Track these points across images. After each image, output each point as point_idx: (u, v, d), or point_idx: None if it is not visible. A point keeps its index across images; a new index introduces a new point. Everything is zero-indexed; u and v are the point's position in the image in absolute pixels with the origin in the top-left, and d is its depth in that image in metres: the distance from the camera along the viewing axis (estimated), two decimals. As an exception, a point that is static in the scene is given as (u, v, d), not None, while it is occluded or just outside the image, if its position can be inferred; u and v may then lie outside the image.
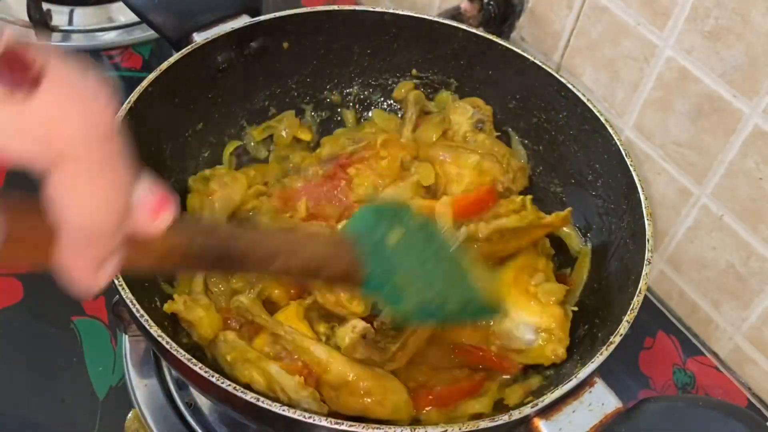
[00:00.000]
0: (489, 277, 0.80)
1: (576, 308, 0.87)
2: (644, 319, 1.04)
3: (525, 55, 0.98)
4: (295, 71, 1.06)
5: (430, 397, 0.81)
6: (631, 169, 0.86)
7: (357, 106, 1.11)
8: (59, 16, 1.37)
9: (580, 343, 0.84)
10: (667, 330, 1.05)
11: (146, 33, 1.35)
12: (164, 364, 0.94)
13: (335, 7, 1.02)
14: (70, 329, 1.00)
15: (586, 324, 0.85)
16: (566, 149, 0.99)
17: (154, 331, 0.69)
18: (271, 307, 0.84)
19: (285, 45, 1.02)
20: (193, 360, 0.66)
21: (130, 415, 0.92)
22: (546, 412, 0.68)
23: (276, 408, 0.64)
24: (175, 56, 0.91)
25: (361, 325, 0.80)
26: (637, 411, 0.68)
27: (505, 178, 0.97)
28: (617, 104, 1.00)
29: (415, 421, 0.80)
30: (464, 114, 1.02)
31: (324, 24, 1.02)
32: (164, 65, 0.90)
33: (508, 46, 0.99)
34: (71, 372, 0.96)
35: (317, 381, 0.77)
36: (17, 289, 1.03)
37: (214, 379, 0.65)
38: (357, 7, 1.03)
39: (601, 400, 0.69)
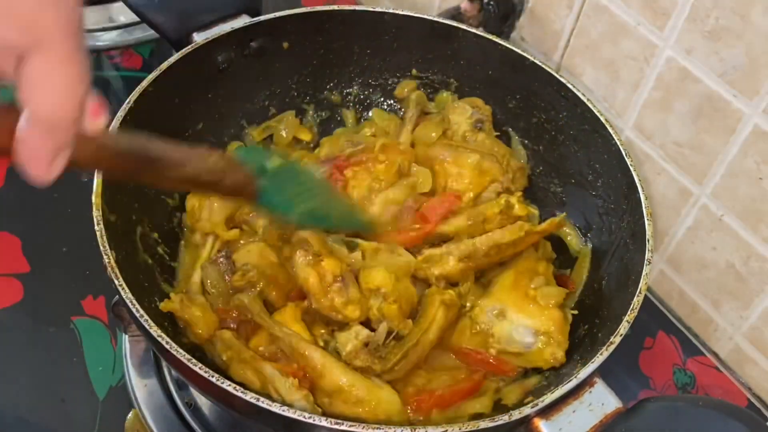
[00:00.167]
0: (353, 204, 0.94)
1: (576, 311, 0.87)
2: (644, 319, 1.04)
3: (525, 55, 0.98)
4: (295, 71, 1.06)
5: (432, 400, 0.81)
6: (631, 169, 0.86)
7: (357, 106, 1.11)
8: (59, 16, 1.36)
9: (580, 343, 0.83)
10: (667, 330, 1.05)
11: (146, 33, 1.35)
12: (164, 364, 0.94)
13: (335, 7, 1.02)
14: (70, 329, 1.00)
15: (586, 324, 0.85)
16: (566, 149, 0.99)
17: (154, 331, 0.69)
18: (267, 309, 0.84)
19: (285, 45, 1.02)
20: (193, 360, 0.66)
21: (130, 415, 0.92)
22: (546, 412, 0.68)
23: (276, 408, 0.64)
24: (175, 56, 0.91)
25: (364, 332, 0.80)
26: (637, 411, 0.68)
27: (505, 178, 0.97)
28: (617, 104, 1.00)
29: (416, 423, 0.80)
30: (463, 114, 1.02)
31: (324, 24, 1.02)
32: (164, 65, 0.90)
33: (508, 46, 0.99)
34: (71, 372, 0.96)
35: (312, 384, 0.77)
36: (17, 289, 1.03)
37: (214, 379, 0.65)
38: (357, 7, 1.03)
39: (601, 400, 0.69)
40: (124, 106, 0.84)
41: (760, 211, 0.89)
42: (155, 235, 0.90)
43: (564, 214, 0.95)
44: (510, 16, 1.10)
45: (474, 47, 1.01)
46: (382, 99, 1.11)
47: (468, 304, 0.88)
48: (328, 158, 0.97)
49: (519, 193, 0.95)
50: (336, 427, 0.63)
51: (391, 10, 1.02)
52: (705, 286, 1.01)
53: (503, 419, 0.66)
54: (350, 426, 0.63)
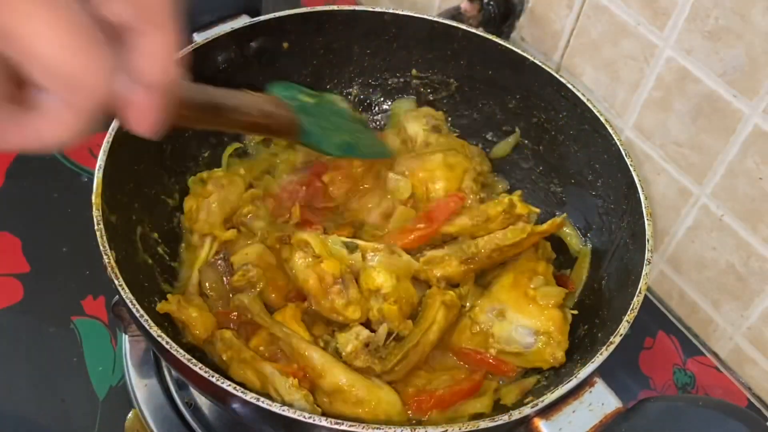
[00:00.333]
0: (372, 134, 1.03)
1: (576, 311, 0.87)
2: (644, 319, 1.04)
3: (525, 55, 0.98)
4: (295, 71, 1.06)
5: (432, 400, 0.81)
6: (631, 169, 0.86)
7: (357, 106, 1.11)
8: (59, 16, 1.36)
9: (580, 343, 0.84)
10: (667, 330, 1.05)
11: (146, 33, 1.34)
12: (164, 364, 0.94)
13: (335, 7, 1.01)
14: (70, 329, 1.00)
15: (586, 324, 0.85)
16: (566, 149, 0.99)
17: (154, 331, 0.69)
18: (266, 310, 0.84)
19: (285, 45, 1.02)
20: (193, 360, 0.66)
21: (130, 415, 0.92)
22: (546, 412, 0.68)
23: (276, 408, 0.64)
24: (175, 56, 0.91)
25: (364, 333, 0.80)
26: (637, 411, 0.68)
27: (473, 164, 0.99)
28: (617, 104, 1.00)
29: (416, 423, 0.80)
30: (419, 122, 1.03)
31: (324, 24, 1.02)
32: (164, 65, 0.90)
33: (508, 46, 0.99)
34: (71, 372, 0.96)
35: (312, 384, 0.77)
36: (17, 289, 1.03)
37: (214, 379, 0.65)
38: (357, 7, 1.03)
39: (601, 400, 0.69)
40: (124, 106, 0.84)
41: (760, 211, 0.89)
42: (155, 235, 0.90)
43: (564, 214, 0.95)
44: (510, 16, 1.10)
45: (474, 47, 1.01)
46: (382, 99, 1.11)
47: (468, 304, 0.88)
48: (306, 164, 0.97)
49: (519, 192, 0.95)
50: (336, 427, 0.63)
51: (391, 10, 1.02)
52: (705, 286, 1.01)
53: (503, 419, 0.66)
54: (350, 426, 0.63)
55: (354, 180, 0.95)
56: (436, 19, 1.02)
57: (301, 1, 1.44)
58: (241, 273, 0.84)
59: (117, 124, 0.82)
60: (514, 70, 1.00)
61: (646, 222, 0.82)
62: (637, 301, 0.75)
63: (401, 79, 1.09)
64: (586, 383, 0.70)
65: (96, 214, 0.76)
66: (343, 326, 0.82)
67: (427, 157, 0.98)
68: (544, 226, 0.91)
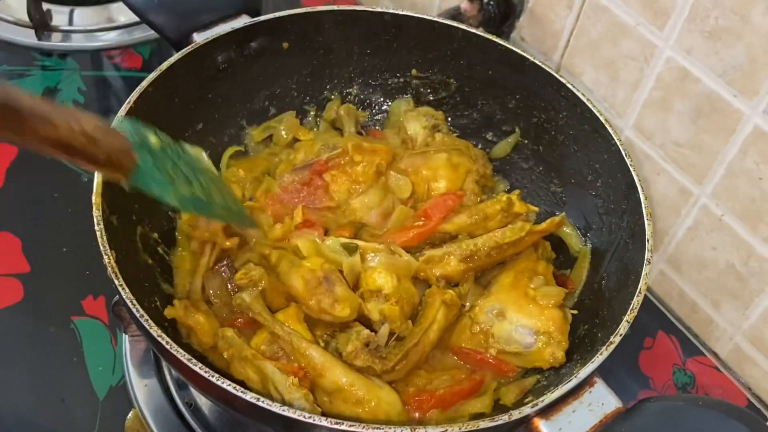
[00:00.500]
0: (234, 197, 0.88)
1: (576, 311, 0.87)
2: (644, 319, 1.04)
3: (525, 55, 0.98)
4: (295, 71, 1.06)
5: (433, 400, 0.81)
6: (631, 169, 0.86)
7: (357, 107, 1.10)
8: (59, 16, 1.37)
9: (580, 343, 0.83)
10: (667, 330, 1.05)
11: (146, 33, 1.35)
12: (164, 364, 0.94)
13: (335, 7, 1.01)
14: (70, 329, 1.00)
15: (586, 324, 0.85)
16: (566, 149, 0.99)
17: (154, 331, 0.69)
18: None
19: (285, 45, 1.02)
20: (193, 360, 0.66)
21: (130, 415, 0.91)
22: (546, 412, 0.68)
23: (276, 408, 0.64)
24: (175, 56, 0.91)
25: (365, 332, 0.80)
26: (637, 411, 0.67)
27: (476, 166, 0.99)
28: (617, 104, 1.00)
29: (417, 423, 0.80)
30: (419, 122, 1.03)
31: (324, 24, 1.02)
32: (164, 65, 0.90)
33: (508, 46, 0.99)
34: (71, 372, 0.96)
35: (312, 384, 0.77)
36: (17, 289, 1.03)
37: (214, 379, 0.65)
38: (357, 7, 1.03)
39: (601, 400, 0.69)
40: (124, 106, 0.84)
41: (760, 211, 0.89)
42: (155, 235, 0.90)
43: (563, 213, 0.95)
44: (510, 16, 1.10)
45: (474, 47, 1.01)
46: (382, 99, 1.11)
47: (467, 304, 0.88)
48: (305, 163, 0.97)
49: (518, 191, 0.95)
50: (336, 427, 0.63)
51: (391, 10, 1.02)
52: (705, 286, 1.01)
53: (503, 419, 0.66)
54: (350, 426, 0.63)
55: (355, 179, 0.95)
56: (436, 19, 1.02)
57: (301, 1, 1.44)
58: (244, 271, 0.84)
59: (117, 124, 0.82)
60: (514, 70, 1.00)
61: (646, 222, 0.82)
62: (637, 301, 0.75)
63: (401, 79, 1.09)
64: (586, 383, 0.70)
65: (96, 214, 0.76)
66: (344, 326, 0.82)
67: (431, 156, 0.98)
68: (543, 225, 0.91)
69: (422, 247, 0.91)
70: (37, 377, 0.95)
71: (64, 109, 0.62)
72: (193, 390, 0.92)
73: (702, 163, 0.92)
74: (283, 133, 1.05)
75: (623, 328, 0.73)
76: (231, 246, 0.90)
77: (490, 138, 1.08)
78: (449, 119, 1.09)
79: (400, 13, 1.02)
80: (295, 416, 0.64)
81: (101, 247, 0.73)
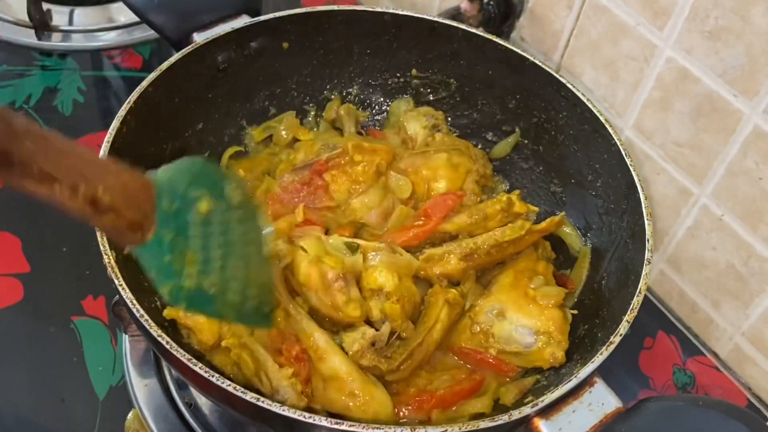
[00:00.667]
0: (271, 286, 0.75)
1: (576, 311, 0.87)
2: (644, 319, 1.04)
3: (525, 55, 0.98)
4: (295, 71, 1.06)
5: (433, 400, 0.81)
6: (631, 169, 0.86)
7: (357, 107, 1.10)
8: (59, 16, 1.37)
9: (580, 343, 0.83)
10: (667, 330, 1.05)
11: (146, 33, 1.35)
12: (164, 364, 0.94)
13: (335, 7, 1.01)
14: (70, 329, 1.00)
15: (586, 324, 0.85)
16: (566, 149, 0.99)
17: (154, 331, 0.69)
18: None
19: (285, 45, 1.02)
20: (193, 360, 0.66)
21: (130, 415, 0.91)
22: (546, 412, 0.68)
23: (276, 408, 0.64)
24: (175, 56, 0.91)
25: (370, 332, 0.80)
26: (637, 411, 0.67)
27: (476, 166, 0.99)
28: (617, 104, 1.00)
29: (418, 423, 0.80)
30: (419, 121, 1.03)
31: (324, 24, 1.02)
32: (164, 65, 0.90)
33: (508, 46, 0.99)
34: (71, 372, 0.96)
35: (309, 371, 0.78)
36: (17, 289, 1.03)
37: (214, 379, 0.65)
38: (357, 7, 1.03)
39: (601, 400, 0.69)
40: (124, 106, 0.84)
41: (760, 211, 0.89)
42: (155, 235, 0.90)
43: (563, 213, 0.96)
44: (510, 16, 1.10)
45: (474, 47, 1.01)
46: (382, 99, 1.11)
47: (468, 304, 0.88)
48: (305, 163, 0.97)
49: (518, 191, 0.95)
50: (336, 427, 0.63)
51: (391, 10, 1.02)
52: (705, 286, 1.01)
53: (503, 419, 0.66)
54: (350, 426, 0.63)
55: (355, 179, 0.95)
56: (436, 19, 1.02)
57: (301, 1, 1.44)
58: (271, 246, 0.85)
59: (117, 123, 0.82)
60: (514, 70, 1.00)
61: (646, 222, 0.82)
62: (637, 301, 0.75)
63: (401, 79, 1.09)
64: (586, 383, 0.70)
65: (96, 214, 0.75)
66: (347, 327, 0.82)
67: (432, 155, 0.98)
68: (543, 225, 0.92)
69: (422, 246, 0.91)
70: (37, 377, 0.95)
71: (83, 159, 0.50)
72: (193, 390, 0.92)
73: (702, 163, 0.92)
74: (283, 133, 1.05)
75: (623, 328, 0.73)
76: None
77: (490, 138, 1.08)
78: (449, 119, 1.09)
79: (400, 13, 1.02)
80: (295, 416, 0.64)
81: (101, 247, 0.73)
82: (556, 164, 1.01)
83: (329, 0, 1.40)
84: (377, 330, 0.81)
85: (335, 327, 0.83)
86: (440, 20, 1.02)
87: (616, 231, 0.90)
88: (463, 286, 0.89)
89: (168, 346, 0.67)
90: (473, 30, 1.01)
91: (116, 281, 0.72)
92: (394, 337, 0.81)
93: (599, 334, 0.80)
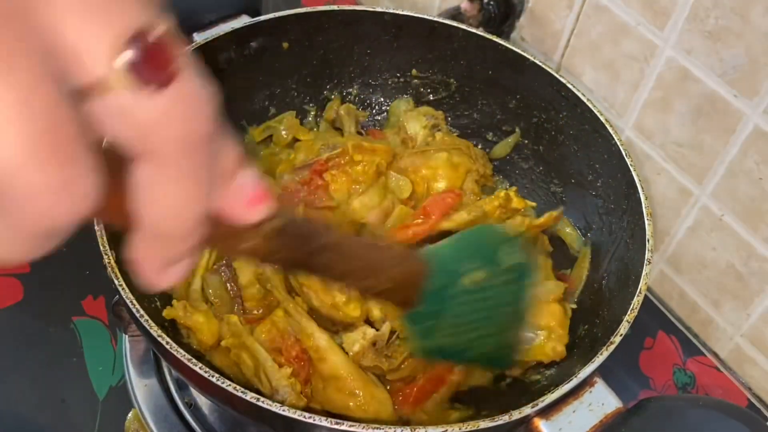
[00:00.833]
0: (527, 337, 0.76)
1: (575, 306, 0.87)
2: (644, 319, 1.04)
3: (525, 55, 0.98)
4: (295, 71, 1.06)
5: (415, 389, 0.82)
6: (631, 169, 0.86)
7: (357, 107, 1.11)
8: (59, 16, 1.36)
9: (581, 343, 0.84)
10: (667, 330, 1.05)
11: (146, 33, 1.34)
12: (164, 364, 0.93)
13: (335, 7, 1.01)
14: (70, 329, 1.00)
15: (587, 324, 0.85)
16: (566, 149, 0.99)
17: (154, 331, 0.69)
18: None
19: (285, 45, 1.02)
20: (193, 360, 0.66)
21: (130, 415, 0.91)
22: (546, 412, 0.68)
23: (276, 408, 0.64)
24: (175, 56, 0.91)
25: (371, 332, 0.80)
26: (638, 411, 0.68)
27: (476, 166, 0.99)
28: (617, 104, 1.00)
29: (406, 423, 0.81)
30: (419, 121, 1.04)
31: (324, 24, 1.02)
32: (164, 65, 0.89)
33: (508, 46, 0.99)
34: (71, 372, 0.96)
35: (309, 371, 0.78)
36: (17, 289, 1.03)
37: (214, 379, 0.65)
38: (357, 7, 1.03)
39: (602, 400, 0.69)
40: (124, 106, 0.84)
41: (760, 211, 0.89)
42: (155, 235, 0.90)
43: (561, 208, 0.96)
44: (510, 16, 1.10)
45: (474, 47, 1.01)
46: (382, 99, 1.11)
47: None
48: (305, 163, 0.97)
49: (515, 188, 0.95)
50: (336, 427, 0.63)
51: (391, 10, 1.02)
52: (705, 286, 1.01)
53: (503, 419, 0.66)
54: (350, 426, 0.63)
55: (355, 178, 0.95)
56: (436, 19, 1.02)
57: (301, 1, 1.44)
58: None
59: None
60: (514, 70, 1.00)
61: (646, 222, 0.82)
62: (637, 301, 0.75)
63: (401, 79, 1.09)
64: (586, 383, 0.70)
65: (96, 214, 0.75)
66: (347, 327, 0.82)
67: (432, 155, 0.98)
68: (541, 220, 0.92)
69: (422, 245, 0.91)
70: (37, 377, 0.95)
71: (378, 254, 0.54)
72: (193, 390, 0.92)
73: (702, 163, 0.92)
74: (283, 133, 1.05)
75: (623, 328, 0.73)
76: None
77: (490, 138, 1.08)
78: (449, 119, 1.09)
79: (400, 13, 1.02)
80: (295, 416, 0.64)
81: (101, 247, 0.73)
82: (556, 164, 1.01)
83: (329, 0, 1.40)
84: (377, 330, 0.81)
85: (335, 327, 0.83)
86: (440, 20, 1.02)
87: (616, 231, 0.90)
88: None
89: (168, 346, 0.67)
90: (473, 30, 1.01)
91: (116, 281, 0.72)
92: (395, 336, 0.81)
93: (599, 334, 0.80)
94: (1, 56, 0.27)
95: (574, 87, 0.94)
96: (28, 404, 0.93)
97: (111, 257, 0.73)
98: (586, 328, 0.85)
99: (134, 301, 0.70)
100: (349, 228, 0.93)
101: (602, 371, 0.71)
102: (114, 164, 0.34)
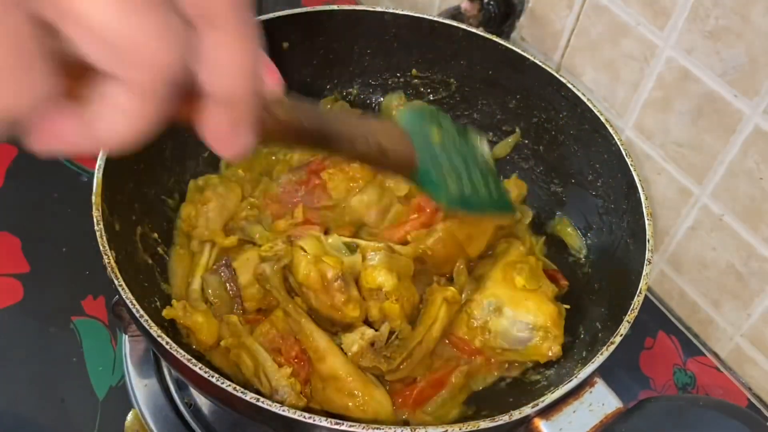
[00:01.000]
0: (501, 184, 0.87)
1: (568, 307, 0.87)
2: (644, 319, 1.04)
3: (525, 55, 0.98)
4: (295, 71, 1.06)
5: (415, 391, 0.82)
6: (631, 169, 0.86)
7: (357, 106, 1.10)
8: (59, 16, 1.36)
9: (581, 343, 0.84)
10: (667, 330, 1.05)
11: (146, 33, 1.35)
12: (164, 364, 0.94)
13: (335, 7, 1.01)
14: (70, 329, 1.00)
15: (586, 324, 0.85)
16: (566, 149, 0.99)
17: (154, 331, 0.69)
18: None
19: (285, 45, 1.02)
20: (193, 360, 0.66)
21: (130, 415, 0.91)
22: (546, 412, 0.68)
23: (275, 408, 0.64)
24: (175, 56, 0.91)
25: (369, 332, 0.80)
26: (638, 411, 0.68)
27: None
28: (617, 104, 1.00)
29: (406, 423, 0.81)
30: None
31: (324, 24, 1.02)
32: (164, 65, 0.89)
33: (508, 46, 0.99)
34: (71, 372, 0.96)
35: (308, 371, 0.78)
36: (17, 289, 1.02)
37: (214, 379, 0.65)
38: (357, 7, 1.03)
39: (602, 400, 0.69)
40: (124, 106, 0.84)
41: (761, 211, 0.89)
42: (155, 235, 0.90)
43: (515, 174, 0.98)
44: (510, 16, 1.10)
45: (474, 47, 1.01)
46: (382, 99, 1.11)
47: (463, 298, 0.88)
48: (302, 163, 0.97)
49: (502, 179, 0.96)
50: (336, 427, 0.63)
51: (391, 10, 1.02)
52: (705, 286, 1.01)
53: (503, 419, 0.66)
54: (350, 426, 0.63)
55: (352, 176, 0.95)
56: (436, 19, 1.02)
57: (301, 1, 1.44)
58: (270, 245, 0.85)
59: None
60: (514, 70, 1.00)
61: (646, 222, 0.82)
62: (637, 301, 0.75)
63: (401, 79, 1.09)
64: (587, 383, 0.70)
65: (96, 214, 0.75)
66: (346, 328, 0.82)
67: None
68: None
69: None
70: (37, 377, 0.95)
71: (363, 122, 0.66)
72: (193, 390, 0.92)
73: (702, 163, 0.92)
74: (284, 132, 1.05)
75: (623, 328, 0.73)
76: (230, 245, 0.90)
77: (490, 138, 1.07)
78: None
79: (400, 13, 1.02)
80: (294, 416, 0.64)
81: (101, 247, 0.73)
82: (557, 164, 1.01)
83: (329, 0, 1.40)
84: (376, 330, 0.81)
85: (334, 327, 0.83)
86: (440, 20, 1.02)
87: (616, 231, 0.90)
88: (456, 279, 0.89)
89: (168, 346, 0.67)
90: (473, 30, 1.01)
91: (116, 281, 0.72)
92: (393, 336, 0.81)
93: (599, 334, 0.80)
94: None
95: (574, 87, 0.94)
96: (28, 404, 0.93)
97: (111, 257, 0.73)
98: (587, 328, 0.85)
99: (134, 301, 0.71)
100: (348, 228, 0.93)
101: (602, 371, 0.71)
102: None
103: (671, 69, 0.91)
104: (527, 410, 0.67)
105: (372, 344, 0.79)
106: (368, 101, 1.11)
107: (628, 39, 0.94)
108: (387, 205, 0.95)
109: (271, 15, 0.98)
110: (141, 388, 0.92)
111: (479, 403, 0.85)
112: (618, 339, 0.72)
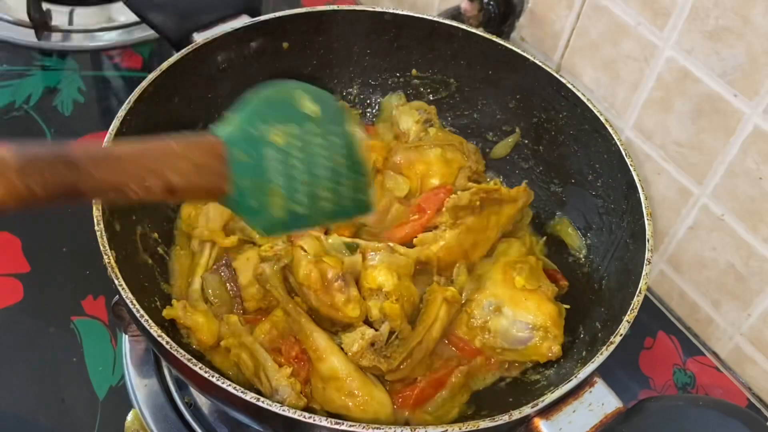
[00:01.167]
0: (369, 180, 0.73)
1: (569, 307, 0.87)
2: (644, 319, 1.04)
3: (525, 55, 0.98)
4: (295, 71, 1.06)
5: (416, 391, 0.82)
6: (631, 169, 0.86)
7: (357, 106, 1.11)
8: (59, 16, 1.37)
9: (580, 343, 0.84)
10: (667, 330, 1.05)
11: (146, 33, 1.35)
12: (164, 364, 0.94)
13: (335, 7, 1.01)
14: (70, 329, 1.00)
15: (586, 324, 0.85)
16: (566, 149, 0.99)
17: (154, 331, 0.69)
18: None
19: (285, 45, 1.02)
20: (193, 360, 0.66)
21: (130, 415, 0.91)
22: (546, 412, 0.68)
23: (275, 408, 0.64)
24: (175, 56, 0.91)
25: (369, 332, 0.80)
26: (638, 411, 0.68)
27: (469, 162, 1.00)
28: (617, 104, 1.00)
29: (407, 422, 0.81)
30: (411, 116, 1.04)
31: (324, 24, 1.02)
32: (164, 65, 0.90)
33: (508, 46, 0.99)
34: (71, 372, 0.96)
35: (308, 371, 0.78)
36: (17, 289, 1.02)
37: (214, 379, 0.65)
38: (357, 7, 1.03)
39: (602, 400, 0.69)
40: (124, 106, 0.84)
41: (760, 211, 0.89)
42: (155, 235, 0.90)
43: (525, 182, 0.97)
44: (510, 16, 1.10)
45: (474, 47, 1.01)
46: (381, 99, 1.11)
47: (463, 298, 0.88)
48: None
49: (500, 179, 0.96)
50: (336, 427, 0.63)
51: (391, 10, 1.02)
52: (705, 286, 1.01)
53: (503, 419, 0.66)
54: (350, 426, 0.63)
55: None
56: (436, 19, 1.02)
57: (301, 1, 1.44)
58: (270, 245, 0.85)
59: (117, 123, 0.83)
60: (514, 70, 1.00)
61: (646, 222, 0.82)
62: (637, 301, 0.75)
63: (401, 79, 1.09)
64: (587, 383, 0.70)
65: (96, 214, 0.75)
66: (346, 327, 0.82)
67: (426, 150, 0.99)
68: (513, 191, 0.93)
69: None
70: (37, 377, 0.95)
71: (155, 156, 0.54)
72: (193, 390, 0.92)
73: (702, 163, 0.92)
74: (283, 132, 1.05)
75: (623, 328, 0.73)
76: (230, 245, 0.90)
77: (490, 138, 1.08)
78: (449, 119, 1.09)
79: (400, 13, 1.02)
80: (295, 416, 0.64)
81: (101, 247, 0.73)
82: (556, 164, 1.01)
83: (329, 0, 1.40)
84: (376, 330, 0.81)
85: (334, 327, 0.83)
86: (440, 20, 1.02)
87: (616, 231, 0.90)
88: (456, 279, 0.89)
89: (168, 346, 0.67)
90: (473, 30, 1.01)
91: (116, 281, 0.72)
92: (393, 336, 0.81)
93: (599, 334, 0.80)
94: None
95: (574, 87, 0.94)
96: (28, 404, 0.93)
97: (111, 257, 0.73)
98: (586, 328, 0.85)
99: (134, 301, 0.71)
100: (348, 228, 0.93)
101: (602, 371, 0.71)
102: None
103: (671, 69, 0.91)
104: (527, 410, 0.67)
105: (372, 344, 0.79)
106: (368, 101, 1.11)
107: (628, 39, 0.94)
108: (387, 205, 0.95)
109: (271, 15, 0.98)
110: (141, 387, 0.92)
111: (479, 403, 0.85)
112: (618, 339, 0.72)
